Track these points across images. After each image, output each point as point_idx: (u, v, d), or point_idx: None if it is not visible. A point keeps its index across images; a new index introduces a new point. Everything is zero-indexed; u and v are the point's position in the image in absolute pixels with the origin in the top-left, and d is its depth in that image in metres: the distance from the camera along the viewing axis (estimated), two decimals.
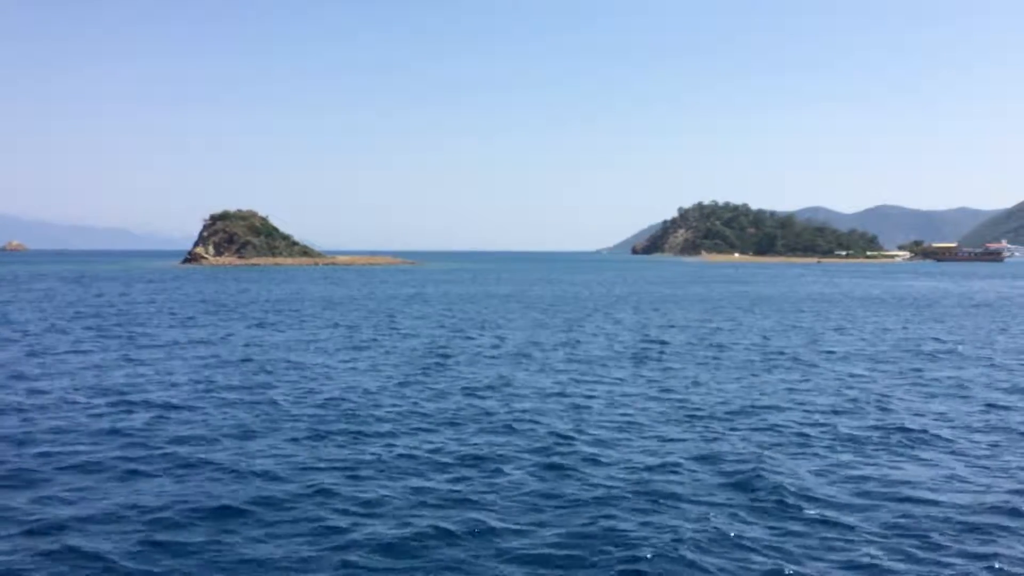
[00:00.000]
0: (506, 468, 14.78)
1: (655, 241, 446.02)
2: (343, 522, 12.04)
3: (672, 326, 42.67)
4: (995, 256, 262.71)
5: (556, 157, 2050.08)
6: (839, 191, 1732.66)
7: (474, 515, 12.26)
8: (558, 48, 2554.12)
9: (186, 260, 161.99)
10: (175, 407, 20.00)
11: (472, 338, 36.13)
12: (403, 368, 26.82)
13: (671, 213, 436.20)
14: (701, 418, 19.10)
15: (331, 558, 10.81)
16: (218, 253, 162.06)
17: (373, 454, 15.74)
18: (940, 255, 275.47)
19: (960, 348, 33.37)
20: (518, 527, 11.86)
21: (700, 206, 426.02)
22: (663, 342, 34.72)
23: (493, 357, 29.91)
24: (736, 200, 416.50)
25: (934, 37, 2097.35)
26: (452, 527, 11.75)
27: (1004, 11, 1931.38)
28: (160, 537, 11.46)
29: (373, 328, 40.69)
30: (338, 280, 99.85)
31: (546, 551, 11.00)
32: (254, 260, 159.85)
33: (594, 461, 15.19)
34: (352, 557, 10.82)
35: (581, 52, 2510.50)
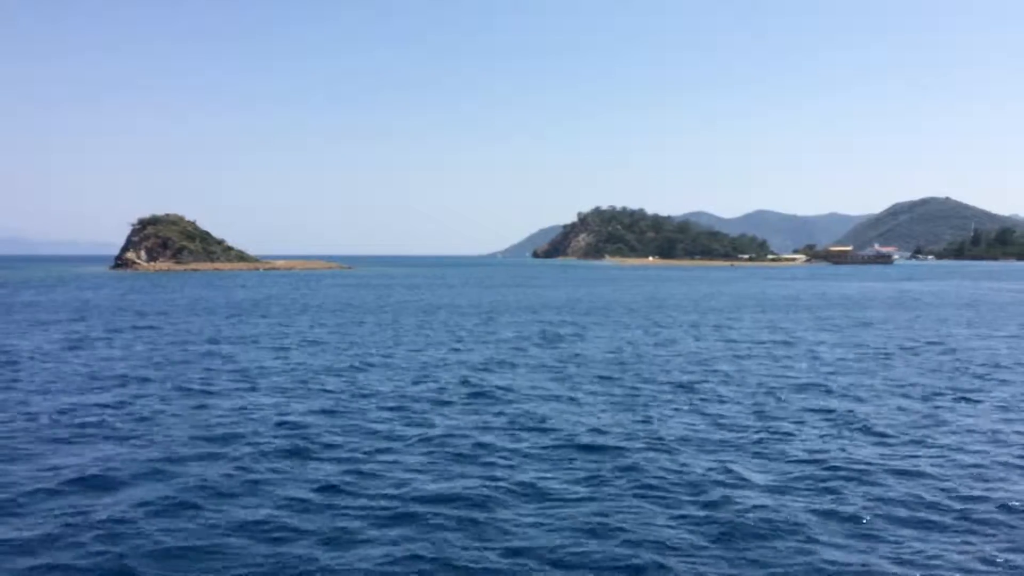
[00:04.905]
0: None
1: (556, 245, 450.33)
2: None
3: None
4: (886, 259, 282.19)
5: (434, 161, 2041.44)
6: (719, 196, 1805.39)
7: None
8: (436, 50, 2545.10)
9: (116, 265, 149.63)
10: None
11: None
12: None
13: (558, 218, 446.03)
14: None
15: None
16: (151, 258, 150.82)
17: None
18: (836, 258, 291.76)
19: None
20: None
21: (599, 211, 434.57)
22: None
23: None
24: (631, 204, 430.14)
25: (804, 53, 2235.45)
26: None
27: (871, 29, 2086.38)
28: None
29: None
30: (358, 285, 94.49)
31: None
32: (192, 265, 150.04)
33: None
34: None
35: (454, 54, 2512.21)
